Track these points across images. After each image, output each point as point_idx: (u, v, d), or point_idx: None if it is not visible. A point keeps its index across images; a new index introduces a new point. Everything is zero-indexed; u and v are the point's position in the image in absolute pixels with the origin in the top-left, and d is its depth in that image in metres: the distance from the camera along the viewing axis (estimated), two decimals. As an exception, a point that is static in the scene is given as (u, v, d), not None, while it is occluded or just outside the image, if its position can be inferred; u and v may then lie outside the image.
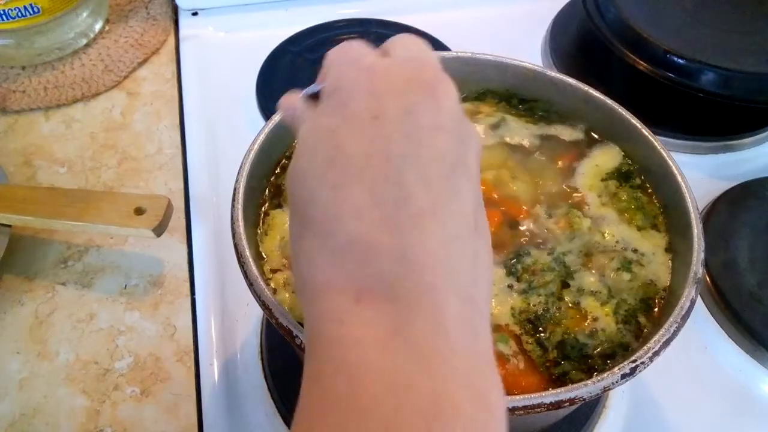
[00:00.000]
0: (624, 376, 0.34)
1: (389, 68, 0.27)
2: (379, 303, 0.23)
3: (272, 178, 0.46)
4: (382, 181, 0.24)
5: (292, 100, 0.31)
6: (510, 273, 0.41)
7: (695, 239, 0.39)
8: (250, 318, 0.53)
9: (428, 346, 0.22)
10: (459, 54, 0.51)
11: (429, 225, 0.24)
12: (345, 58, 0.29)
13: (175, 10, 0.82)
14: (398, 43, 0.30)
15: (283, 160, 0.47)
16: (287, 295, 0.40)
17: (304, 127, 0.28)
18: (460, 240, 0.25)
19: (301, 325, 0.34)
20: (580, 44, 0.76)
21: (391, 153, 0.25)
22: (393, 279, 0.23)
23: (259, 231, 0.43)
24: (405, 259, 0.23)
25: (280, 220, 0.44)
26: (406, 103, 0.26)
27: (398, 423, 0.21)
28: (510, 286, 0.41)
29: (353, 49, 0.29)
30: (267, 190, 0.45)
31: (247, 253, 0.37)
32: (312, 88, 0.31)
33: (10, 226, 0.56)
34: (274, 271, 0.41)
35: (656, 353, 0.34)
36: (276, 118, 0.45)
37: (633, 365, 0.34)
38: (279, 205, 0.45)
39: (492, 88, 0.51)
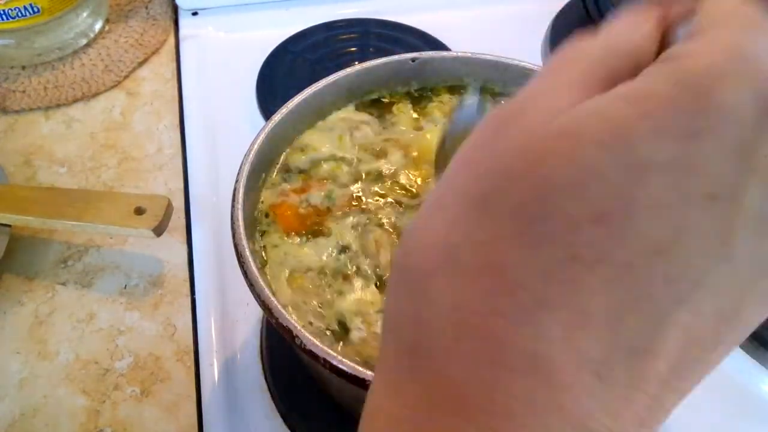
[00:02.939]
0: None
1: None
2: None
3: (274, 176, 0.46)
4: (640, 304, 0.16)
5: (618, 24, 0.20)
6: None
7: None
8: (250, 318, 0.53)
9: None
10: (459, 54, 0.51)
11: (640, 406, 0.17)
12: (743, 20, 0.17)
13: (175, 10, 0.82)
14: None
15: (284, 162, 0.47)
16: (288, 292, 0.40)
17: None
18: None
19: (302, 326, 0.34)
20: (580, 44, 0.76)
21: (685, 276, 0.16)
22: None
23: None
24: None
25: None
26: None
27: None
28: None
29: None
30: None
31: (248, 253, 0.37)
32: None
33: (10, 226, 0.56)
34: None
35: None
36: (275, 118, 0.45)
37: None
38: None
39: (491, 87, 0.51)
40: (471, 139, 0.19)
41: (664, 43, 0.19)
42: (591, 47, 0.19)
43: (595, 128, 0.16)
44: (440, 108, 0.50)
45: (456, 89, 0.51)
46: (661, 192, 0.16)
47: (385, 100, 0.51)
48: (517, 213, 0.17)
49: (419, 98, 0.51)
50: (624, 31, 0.19)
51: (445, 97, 0.51)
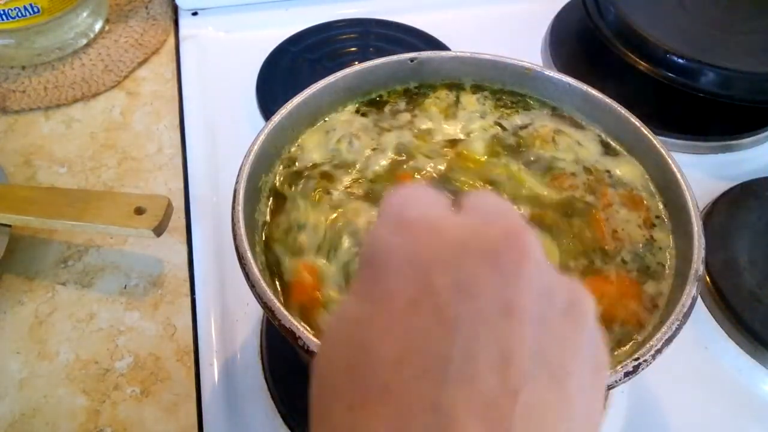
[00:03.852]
0: (627, 374, 0.34)
1: (440, 225, 0.20)
2: None
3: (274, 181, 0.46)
4: (414, 403, 0.17)
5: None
6: None
7: (696, 237, 0.40)
8: (250, 318, 0.53)
9: None
10: (457, 54, 0.51)
11: None
12: (393, 210, 0.21)
13: (175, 10, 0.82)
14: (474, 197, 0.22)
15: (283, 163, 0.47)
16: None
17: (330, 314, 0.23)
18: None
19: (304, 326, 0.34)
20: (580, 44, 0.76)
21: (430, 356, 0.18)
22: None
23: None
24: None
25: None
26: (457, 277, 0.18)
27: None
28: None
29: (412, 198, 0.22)
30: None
31: (249, 255, 0.37)
32: None
33: (10, 226, 0.56)
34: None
35: (659, 351, 0.35)
36: (275, 118, 0.45)
37: (636, 363, 0.34)
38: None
39: (490, 87, 0.51)
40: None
41: None
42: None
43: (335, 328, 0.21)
44: (436, 104, 0.50)
45: (454, 87, 0.51)
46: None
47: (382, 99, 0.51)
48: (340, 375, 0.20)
49: (416, 95, 0.51)
50: None
51: (443, 93, 0.51)
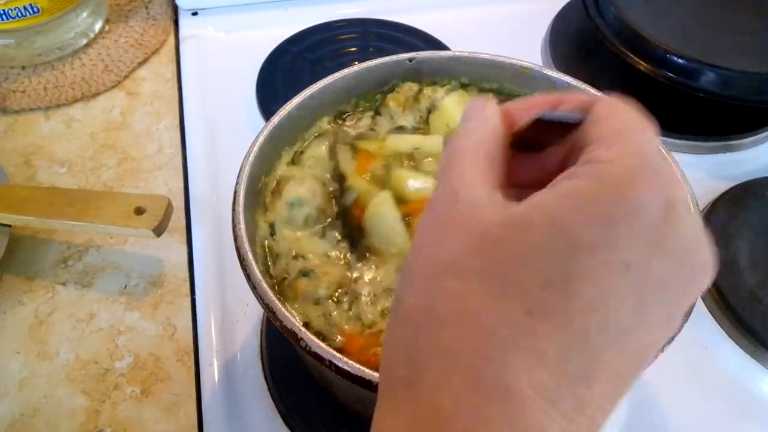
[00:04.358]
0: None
1: (685, 217, 0.23)
2: None
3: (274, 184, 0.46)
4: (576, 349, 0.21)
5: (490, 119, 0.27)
6: None
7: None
8: (250, 318, 0.53)
9: None
10: (456, 53, 0.51)
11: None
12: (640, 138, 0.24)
13: (175, 10, 0.82)
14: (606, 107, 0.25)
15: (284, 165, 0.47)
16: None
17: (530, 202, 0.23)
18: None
19: (305, 326, 0.34)
20: (580, 44, 0.76)
21: (607, 324, 0.21)
22: None
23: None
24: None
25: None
26: (664, 277, 0.22)
27: None
28: None
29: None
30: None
31: (250, 256, 0.37)
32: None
33: (10, 226, 0.56)
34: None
35: (659, 350, 0.34)
36: (275, 119, 0.45)
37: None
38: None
39: (489, 87, 0.51)
40: (423, 228, 0.25)
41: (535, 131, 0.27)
42: (473, 143, 0.26)
43: (539, 220, 0.22)
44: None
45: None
46: (590, 263, 0.21)
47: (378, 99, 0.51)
48: (483, 276, 0.22)
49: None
50: (488, 126, 0.26)
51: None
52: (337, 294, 0.40)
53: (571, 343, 0.21)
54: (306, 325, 0.38)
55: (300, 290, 0.40)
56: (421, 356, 0.22)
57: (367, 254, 0.42)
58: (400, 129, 0.49)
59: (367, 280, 0.41)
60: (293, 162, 0.47)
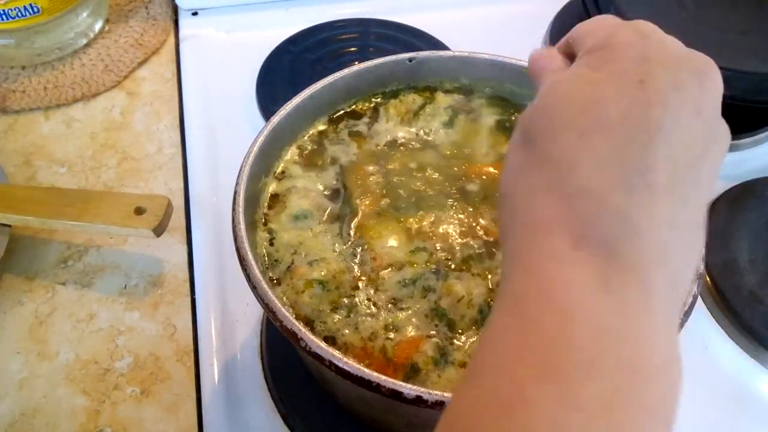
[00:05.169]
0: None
1: (663, 40, 0.28)
2: (595, 256, 0.24)
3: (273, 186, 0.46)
4: (632, 144, 0.24)
5: (544, 52, 0.32)
6: None
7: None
8: (250, 318, 0.53)
9: (637, 311, 0.23)
10: (455, 53, 0.51)
11: (661, 204, 0.24)
12: (611, 22, 0.30)
13: (175, 10, 0.82)
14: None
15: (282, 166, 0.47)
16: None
17: (558, 76, 0.28)
18: (683, 230, 0.25)
19: (303, 325, 0.34)
20: (580, 44, 0.76)
21: (649, 121, 0.24)
22: (613, 239, 0.24)
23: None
24: (629, 225, 0.24)
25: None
26: (676, 79, 0.26)
27: (600, 369, 0.22)
28: None
29: (643, 23, 0.30)
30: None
31: (250, 256, 0.37)
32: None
33: (10, 226, 0.56)
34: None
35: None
36: (275, 119, 0.45)
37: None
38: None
39: (488, 86, 0.51)
40: (550, 101, 0.28)
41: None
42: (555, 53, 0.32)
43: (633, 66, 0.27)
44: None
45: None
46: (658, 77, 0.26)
47: (377, 100, 0.51)
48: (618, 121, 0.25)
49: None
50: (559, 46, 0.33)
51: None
52: (337, 295, 0.40)
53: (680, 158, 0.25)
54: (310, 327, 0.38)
55: (300, 290, 0.40)
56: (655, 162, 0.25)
57: (369, 258, 0.42)
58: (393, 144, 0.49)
59: (368, 283, 0.41)
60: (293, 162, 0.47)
